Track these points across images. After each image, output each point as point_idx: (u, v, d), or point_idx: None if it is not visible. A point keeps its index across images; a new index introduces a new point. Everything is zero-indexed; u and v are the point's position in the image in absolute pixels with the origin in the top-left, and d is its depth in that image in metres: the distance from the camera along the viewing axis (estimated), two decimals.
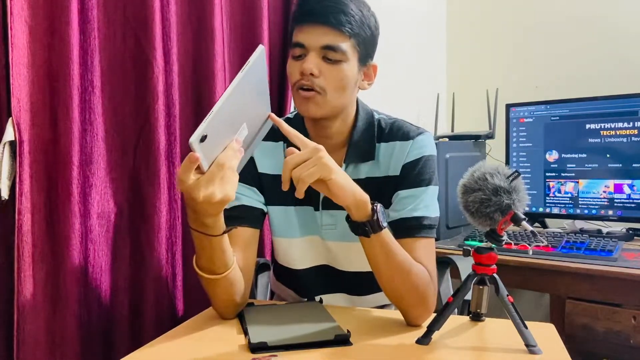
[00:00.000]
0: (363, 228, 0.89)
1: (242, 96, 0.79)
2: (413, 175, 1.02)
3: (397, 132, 1.06)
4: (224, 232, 0.86)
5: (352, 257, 1.09)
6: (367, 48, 1.00)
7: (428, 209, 1.01)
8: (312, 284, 1.13)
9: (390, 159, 1.05)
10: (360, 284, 1.12)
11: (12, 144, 0.93)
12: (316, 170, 0.83)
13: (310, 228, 1.09)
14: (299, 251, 1.11)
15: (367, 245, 0.91)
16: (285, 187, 0.84)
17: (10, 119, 0.92)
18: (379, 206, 0.89)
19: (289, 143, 1.06)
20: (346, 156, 1.05)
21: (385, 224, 0.90)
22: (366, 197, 0.89)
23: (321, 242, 1.09)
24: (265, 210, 1.09)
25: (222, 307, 0.98)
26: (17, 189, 0.92)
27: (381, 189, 1.03)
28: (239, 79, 0.77)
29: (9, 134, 0.92)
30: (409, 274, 0.92)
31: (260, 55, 0.81)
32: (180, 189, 0.78)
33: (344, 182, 0.87)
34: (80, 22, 1.03)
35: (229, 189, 0.78)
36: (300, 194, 0.83)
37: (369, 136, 1.06)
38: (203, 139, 0.73)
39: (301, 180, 0.82)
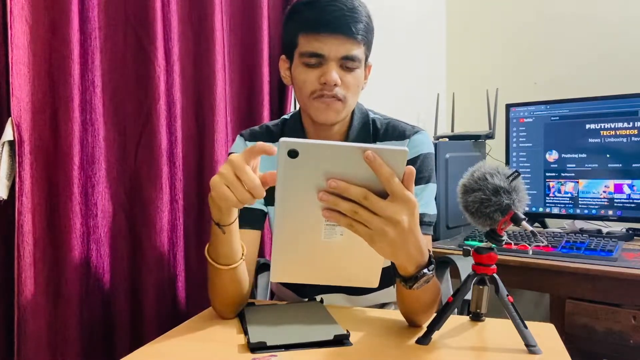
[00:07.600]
0: (423, 277, 0.77)
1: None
2: None
3: (393, 131, 1.06)
4: (220, 225, 0.86)
5: None
6: (370, 50, 1.02)
7: (427, 206, 1.02)
8: (310, 284, 1.13)
9: None
10: None
11: (11, 144, 0.93)
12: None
13: None
14: None
15: (416, 290, 0.79)
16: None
17: (10, 118, 0.92)
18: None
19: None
20: None
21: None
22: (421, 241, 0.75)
23: None
24: (265, 210, 1.08)
25: (219, 304, 0.97)
26: (18, 189, 0.92)
27: None
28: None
29: (8, 134, 0.92)
30: (439, 292, 0.91)
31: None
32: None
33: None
34: (81, 22, 1.03)
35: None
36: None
37: (364, 135, 1.06)
38: (294, 154, 0.61)
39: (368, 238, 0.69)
